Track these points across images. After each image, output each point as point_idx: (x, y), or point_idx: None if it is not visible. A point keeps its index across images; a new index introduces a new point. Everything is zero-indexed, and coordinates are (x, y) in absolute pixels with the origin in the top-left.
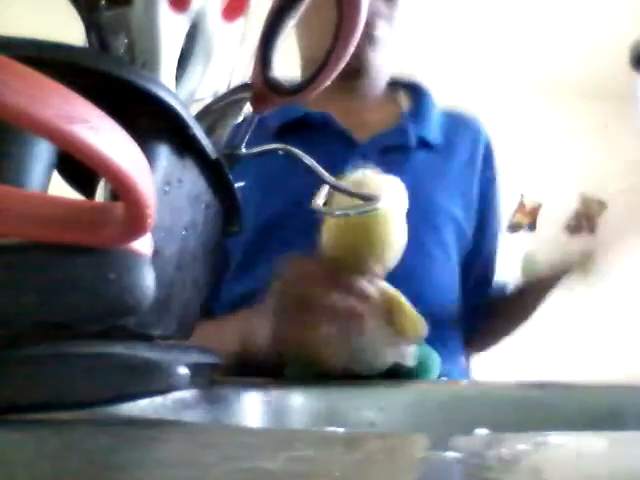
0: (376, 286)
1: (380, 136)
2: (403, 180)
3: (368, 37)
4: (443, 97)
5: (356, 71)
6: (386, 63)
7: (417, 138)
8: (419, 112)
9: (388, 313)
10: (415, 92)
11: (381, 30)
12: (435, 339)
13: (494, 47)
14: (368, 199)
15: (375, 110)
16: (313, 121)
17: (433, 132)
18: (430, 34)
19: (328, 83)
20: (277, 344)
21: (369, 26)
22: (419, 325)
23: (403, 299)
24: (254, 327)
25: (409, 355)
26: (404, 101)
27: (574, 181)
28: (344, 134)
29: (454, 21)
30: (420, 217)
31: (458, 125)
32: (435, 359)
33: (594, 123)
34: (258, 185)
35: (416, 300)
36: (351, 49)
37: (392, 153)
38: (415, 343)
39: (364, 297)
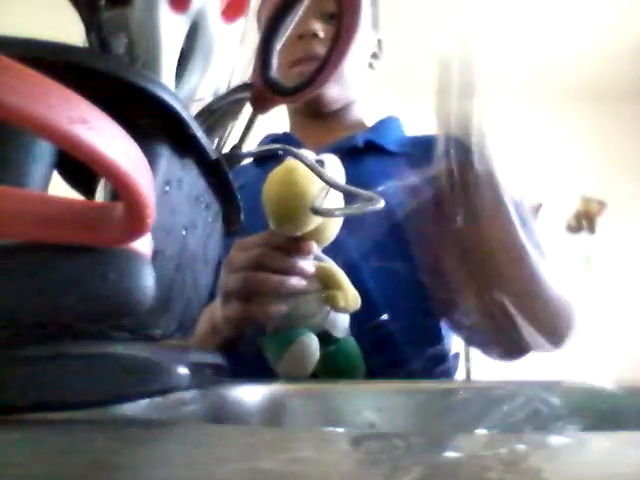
0: (312, 261)
1: (332, 144)
2: (349, 176)
3: None
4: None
5: (314, 108)
6: (342, 96)
7: (365, 141)
8: (375, 127)
9: (323, 285)
10: (382, 120)
11: None
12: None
13: (495, 46)
14: (368, 199)
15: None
16: (278, 141)
17: (384, 139)
18: (426, 38)
19: (328, 83)
20: (228, 323)
21: (309, 67)
22: (353, 300)
23: (338, 273)
24: (216, 312)
25: (339, 327)
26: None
27: (574, 181)
28: (301, 146)
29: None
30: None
31: (422, 140)
32: (357, 355)
33: (594, 123)
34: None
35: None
36: (351, 48)
37: (342, 157)
38: (346, 313)
39: (302, 274)
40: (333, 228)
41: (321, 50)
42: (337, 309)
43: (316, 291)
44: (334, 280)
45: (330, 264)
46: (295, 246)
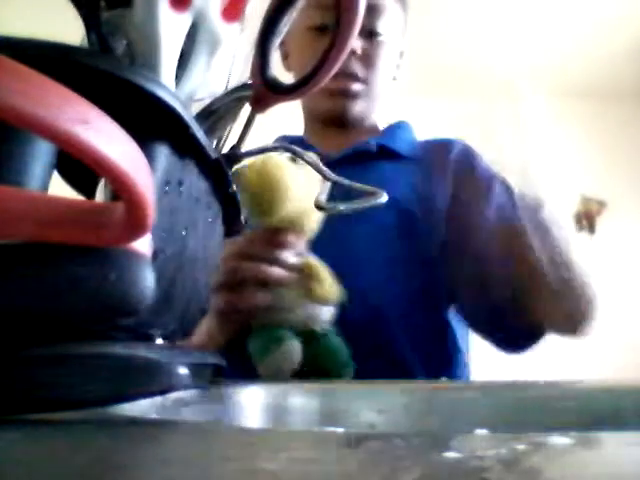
0: (294, 255)
1: (347, 149)
2: (362, 181)
3: (345, 92)
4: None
5: (338, 119)
6: (367, 110)
7: (378, 146)
8: (387, 132)
9: (306, 278)
10: (393, 125)
11: (357, 87)
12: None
13: (494, 45)
14: (371, 193)
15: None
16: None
17: (397, 144)
18: (427, 39)
19: (325, 81)
20: (219, 321)
21: (345, 83)
22: (331, 291)
23: (319, 266)
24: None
25: (320, 320)
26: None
27: (574, 181)
28: (315, 151)
29: (457, 27)
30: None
31: (433, 145)
32: (342, 351)
33: (595, 123)
34: None
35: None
36: (348, 48)
37: (356, 161)
38: (326, 306)
39: (283, 265)
40: (312, 221)
41: (357, 68)
42: (314, 300)
43: (298, 285)
44: (314, 273)
45: (313, 259)
46: (276, 238)
